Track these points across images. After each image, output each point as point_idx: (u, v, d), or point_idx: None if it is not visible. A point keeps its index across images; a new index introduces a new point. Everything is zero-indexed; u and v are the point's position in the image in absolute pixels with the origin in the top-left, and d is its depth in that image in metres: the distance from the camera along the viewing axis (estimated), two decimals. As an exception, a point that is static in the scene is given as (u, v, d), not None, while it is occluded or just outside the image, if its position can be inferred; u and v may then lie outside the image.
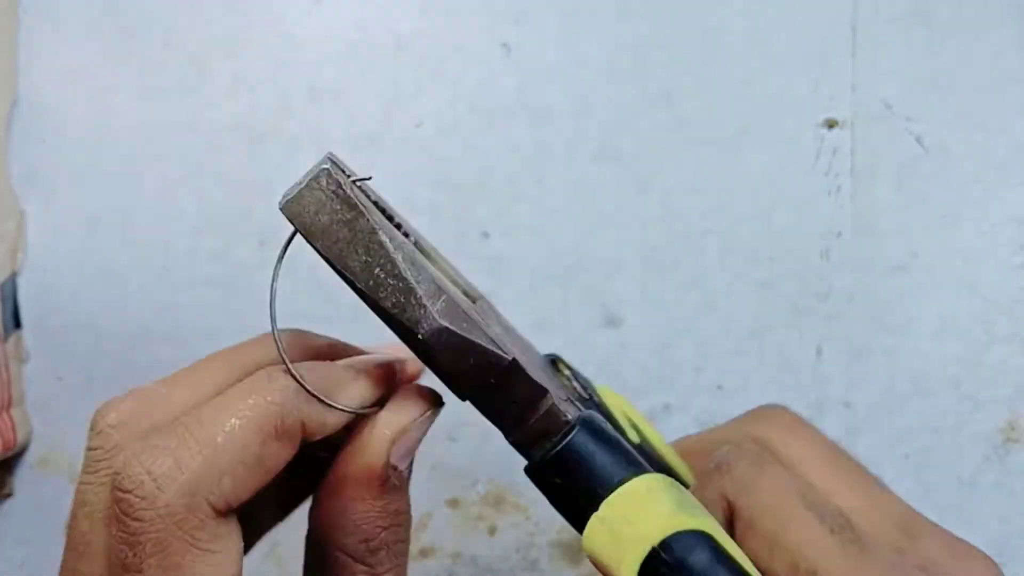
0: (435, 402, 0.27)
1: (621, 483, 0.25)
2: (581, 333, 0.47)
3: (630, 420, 0.32)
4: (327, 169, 0.25)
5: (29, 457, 0.48)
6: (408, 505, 0.27)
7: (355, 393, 0.27)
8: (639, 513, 0.24)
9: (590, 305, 0.47)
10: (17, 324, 0.48)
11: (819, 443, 0.30)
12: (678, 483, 0.26)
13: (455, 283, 0.30)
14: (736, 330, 0.47)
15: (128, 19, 0.48)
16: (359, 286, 0.25)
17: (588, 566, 0.48)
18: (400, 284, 0.25)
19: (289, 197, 0.26)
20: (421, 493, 0.47)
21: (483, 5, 0.47)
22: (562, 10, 0.47)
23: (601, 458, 0.25)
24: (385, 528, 0.25)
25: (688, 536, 0.24)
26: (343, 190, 0.25)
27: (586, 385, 0.32)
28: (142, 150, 0.48)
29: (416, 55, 0.48)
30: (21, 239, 0.48)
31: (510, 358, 0.25)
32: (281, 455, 0.24)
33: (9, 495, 0.48)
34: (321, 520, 0.26)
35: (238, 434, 0.24)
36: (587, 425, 0.26)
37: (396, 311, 0.25)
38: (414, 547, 0.48)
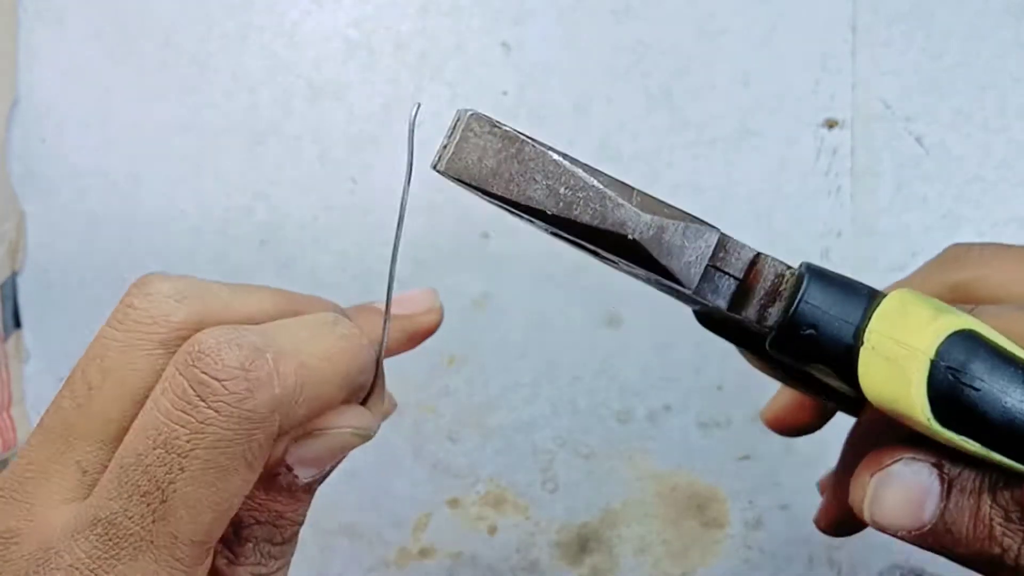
0: (363, 429, 0.25)
1: (872, 308, 0.24)
2: (581, 333, 0.47)
3: None
4: (475, 114, 0.24)
5: (29, 457, 0.48)
6: (297, 516, 0.25)
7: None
8: (905, 328, 0.23)
9: (590, 305, 0.47)
10: (17, 324, 0.48)
11: (1020, 259, 0.28)
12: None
13: None
14: (736, 330, 0.47)
15: (128, 19, 0.48)
16: (551, 212, 0.24)
17: (588, 566, 0.48)
18: (590, 193, 0.24)
19: (448, 156, 0.24)
20: (421, 493, 0.47)
21: (483, 5, 0.47)
22: (562, 10, 0.47)
23: (841, 293, 0.24)
24: (259, 523, 0.24)
25: (960, 336, 0.23)
26: (499, 127, 0.24)
27: None
28: (142, 150, 0.48)
29: (416, 55, 0.48)
30: (21, 239, 0.48)
31: (719, 232, 0.25)
32: (337, 403, 0.24)
33: (9, 495, 0.48)
34: None
35: (330, 370, 0.23)
36: (812, 269, 0.25)
37: (597, 221, 0.24)
38: (414, 547, 0.48)
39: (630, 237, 0.24)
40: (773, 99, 0.47)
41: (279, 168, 0.47)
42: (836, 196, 0.47)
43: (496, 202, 0.24)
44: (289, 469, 0.24)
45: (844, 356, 0.24)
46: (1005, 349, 0.23)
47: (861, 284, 0.25)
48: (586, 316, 0.47)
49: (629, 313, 0.47)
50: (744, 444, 0.47)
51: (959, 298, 0.28)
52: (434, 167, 0.25)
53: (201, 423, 0.21)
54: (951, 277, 0.29)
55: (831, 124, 0.47)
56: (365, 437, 0.25)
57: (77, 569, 0.21)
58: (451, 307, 0.47)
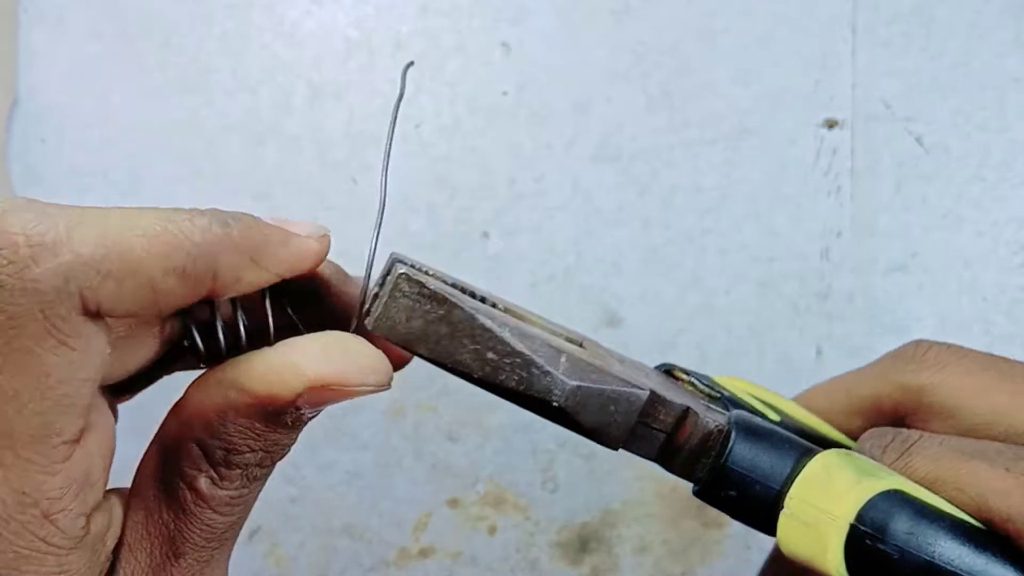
0: (383, 380, 0.24)
1: (796, 472, 0.24)
2: (581, 333, 0.47)
3: (761, 400, 0.31)
4: (404, 274, 0.24)
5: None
6: (292, 441, 0.24)
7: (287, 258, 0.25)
8: (825, 494, 0.24)
9: (590, 305, 0.47)
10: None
11: (973, 371, 0.28)
12: (846, 450, 0.25)
13: (556, 335, 0.29)
14: (736, 330, 0.47)
15: (128, 19, 0.48)
16: (476, 376, 0.24)
17: (588, 566, 0.48)
18: (518, 360, 0.24)
19: (376, 315, 0.24)
20: (421, 493, 0.47)
21: (483, 5, 0.47)
22: (562, 10, 0.47)
23: (766, 455, 0.25)
24: (253, 451, 0.23)
25: (882, 499, 0.23)
26: (428, 288, 0.24)
27: (709, 382, 0.31)
28: (142, 150, 0.48)
29: (416, 55, 0.48)
30: (21, 239, 0.48)
31: (647, 392, 0.25)
32: (177, 295, 0.22)
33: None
34: (192, 401, 0.23)
35: (141, 248, 0.21)
36: (740, 427, 0.25)
37: (523, 387, 0.24)
38: (414, 547, 0.48)
39: (554, 404, 0.24)
40: (773, 99, 0.47)
41: (279, 168, 0.47)
42: (836, 196, 0.47)
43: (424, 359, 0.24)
44: (297, 409, 0.23)
45: (765, 516, 0.25)
46: (929, 504, 0.24)
47: (793, 442, 0.25)
48: (586, 316, 0.47)
49: (629, 313, 0.47)
50: (744, 444, 0.47)
51: (910, 402, 0.29)
52: (364, 319, 0.24)
53: None
54: (904, 379, 0.29)
55: (831, 124, 0.47)
56: (381, 389, 0.24)
57: None
58: (451, 307, 0.47)
